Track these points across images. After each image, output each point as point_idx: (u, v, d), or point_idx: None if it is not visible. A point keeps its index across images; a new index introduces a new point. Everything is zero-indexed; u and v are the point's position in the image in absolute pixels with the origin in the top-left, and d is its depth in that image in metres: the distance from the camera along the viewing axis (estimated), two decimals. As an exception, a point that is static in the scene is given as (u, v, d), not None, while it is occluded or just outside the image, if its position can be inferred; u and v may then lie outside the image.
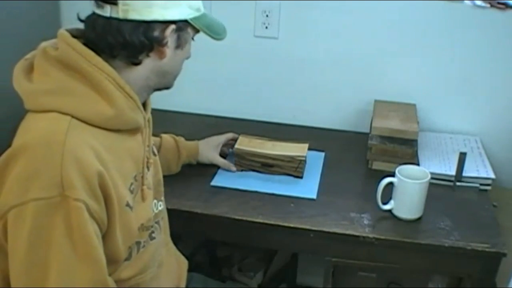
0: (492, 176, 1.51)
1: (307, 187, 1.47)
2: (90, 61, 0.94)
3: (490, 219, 1.38)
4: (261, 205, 1.39)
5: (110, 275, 0.97)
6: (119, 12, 0.94)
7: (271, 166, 1.49)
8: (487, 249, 1.27)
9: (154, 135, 1.41)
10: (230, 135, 1.56)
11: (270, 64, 1.81)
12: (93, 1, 0.97)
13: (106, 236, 0.94)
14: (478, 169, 1.54)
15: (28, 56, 0.99)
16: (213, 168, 1.52)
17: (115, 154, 0.96)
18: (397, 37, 1.69)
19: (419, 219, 1.36)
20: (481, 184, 1.51)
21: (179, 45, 1.04)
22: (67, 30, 0.98)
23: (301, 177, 1.50)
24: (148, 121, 1.11)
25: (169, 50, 1.01)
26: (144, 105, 1.08)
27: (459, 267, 1.34)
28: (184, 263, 1.31)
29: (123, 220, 0.97)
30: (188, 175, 1.48)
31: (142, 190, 1.05)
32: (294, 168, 1.49)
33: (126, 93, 0.97)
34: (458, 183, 1.51)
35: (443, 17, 1.64)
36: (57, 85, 0.93)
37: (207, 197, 1.42)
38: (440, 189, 1.48)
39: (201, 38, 1.83)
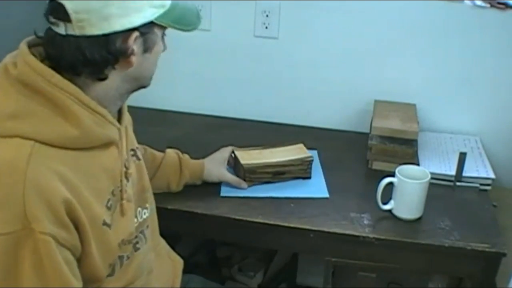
0: (492, 176, 1.51)
1: (316, 187, 1.47)
2: (49, 81, 0.88)
3: (490, 219, 1.38)
4: (261, 205, 1.39)
5: None
6: (74, 29, 0.87)
7: (283, 173, 1.47)
8: (487, 249, 1.27)
9: (160, 150, 1.39)
10: (230, 149, 1.50)
11: (270, 64, 1.81)
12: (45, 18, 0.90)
13: (82, 258, 0.91)
14: (478, 169, 1.53)
15: None
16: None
17: (87, 173, 0.92)
18: (397, 37, 1.69)
19: (419, 219, 1.36)
20: (481, 184, 1.50)
21: (146, 49, 0.97)
22: (30, 42, 0.93)
23: (310, 178, 1.50)
24: (125, 128, 1.05)
25: (136, 57, 0.94)
26: (120, 113, 1.04)
27: (459, 267, 1.34)
28: (179, 262, 1.29)
29: (100, 240, 0.93)
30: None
31: (121, 205, 1.00)
32: (304, 170, 1.49)
33: (92, 109, 0.92)
34: (458, 183, 1.51)
35: (443, 17, 1.64)
36: (18, 108, 0.87)
37: (207, 197, 1.41)
38: (440, 189, 1.48)
39: (200, 38, 1.83)
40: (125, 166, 1.03)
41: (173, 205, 1.37)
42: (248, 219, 1.34)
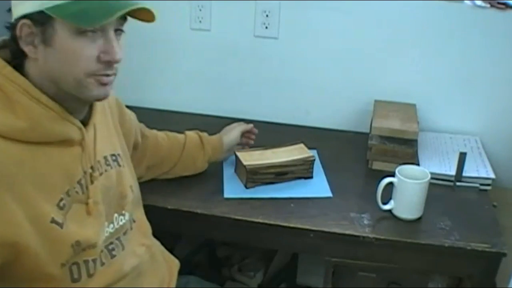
0: (492, 176, 1.51)
1: (319, 187, 1.47)
2: (0, 72, 0.90)
3: (490, 219, 1.38)
4: (261, 205, 1.39)
5: None
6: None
7: (285, 174, 1.47)
8: (487, 249, 1.27)
9: (179, 132, 1.43)
10: (243, 128, 1.55)
11: (270, 64, 1.81)
12: None
13: (21, 253, 0.89)
14: (478, 169, 1.53)
15: None
16: (215, 168, 1.51)
17: (36, 169, 0.91)
18: (397, 37, 1.69)
19: (419, 219, 1.36)
20: (481, 184, 1.50)
21: (44, 41, 0.90)
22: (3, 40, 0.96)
23: (312, 177, 1.50)
24: (95, 130, 1.04)
25: (38, 49, 0.91)
26: (90, 114, 1.03)
27: (459, 267, 1.34)
28: (174, 263, 1.28)
29: (47, 237, 0.92)
30: (189, 176, 1.47)
31: (87, 204, 0.99)
32: (306, 170, 1.49)
33: (43, 103, 0.92)
34: (458, 183, 1.51)
35: (443, 17, 1.64)
36: None
37: (207, 197, 1.41)
38: (440, 189, 1.48)
39: (200, 38, 1.83)
40: (91, 168, 1.02)
41: (173, 205, 1.37)
42: (248, 219, 1.34)
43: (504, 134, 1.71)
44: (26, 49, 0.92)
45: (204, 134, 1.48)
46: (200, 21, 1.80)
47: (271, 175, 1.46)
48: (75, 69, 0.92)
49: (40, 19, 0.89)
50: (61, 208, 0.95)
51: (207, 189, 1.44)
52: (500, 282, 1.35)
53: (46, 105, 0.92)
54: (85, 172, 1.00)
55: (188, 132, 1.47)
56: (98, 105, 1.06)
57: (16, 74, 0.91)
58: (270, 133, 1.63)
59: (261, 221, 1.34)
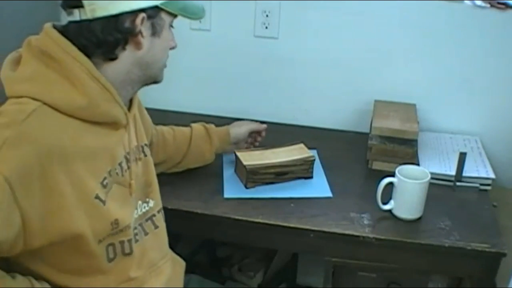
0: (492, 176, 1.51)
1: (319, 187, 1.47)
2: (64, 49, 0.95)
3: (490, 219, 1.38)
4: (261, 205, 1.39)
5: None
6: (87, 13, 0.95)
7: (285, 174, 1.47)
8: (487, 249, 1.27)
9: (184, 125, 1.46)
10: (254, 126, 1.57)
11: (270, 64, 1.81)
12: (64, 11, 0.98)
13: (72, 234, 0.94)
14: (478, 169, 1.54)
15: (20, 49, 1.01)
16: (215, 168, 1.51)
17: (86, 146, 0.96)
18: (397, 37, 1.69)
19: (419, 219, 1.36)
20: (481, 184, 1.51)
21: (154, 32, 1.02)
22: (55, 25, 1.00)
23: (312, 177, 1.50)
24: (134, 118, 1.11)
25: (145, 39, 1.01)
26: (130, 103, 1.09)
27: (459, 267, 1.34)
28: (179, 263, 1.29)
29: (91, 213, 0.96)
30: (189, 176, 1.48)
31: (130, 184, 1.06)
32: (306, 170, 1.49)
33: (102, 84, 0.97)
34: (458, 183, 1.51)
35: (443, 17, 1.64)
36: (33, 72, 0.95)
37: (207, 197, 1.42)
38: (440, 189, 1.48)
39: (200, 38, 1.83)
40: (130, 153, 1.07)
41: (173, 205, 1.37)
42: (248, 219, 1.34)
43: (504, 134, 1.71)
44: (137, 39, 0.99)
45: (211, 126, 1.50)
46: (200, 21, 1.80)
47: (271, 175, 1.46)
48: (166, 55, 1.08)
49: (152, 13, 1.00)
50: (104, 187, 1.00)
51: (207, 189, 1.44)
52: (500, 282, 1.35)
53: (104, 85, 0.97)
54: (125, 156, 1.06)
55: (194, 125, 1.49)
56: (135, 97, 1.12)
57: (79, 53, 0.96)
58: (270, 133, 1.63)
59: (261, 221, 1.34)
